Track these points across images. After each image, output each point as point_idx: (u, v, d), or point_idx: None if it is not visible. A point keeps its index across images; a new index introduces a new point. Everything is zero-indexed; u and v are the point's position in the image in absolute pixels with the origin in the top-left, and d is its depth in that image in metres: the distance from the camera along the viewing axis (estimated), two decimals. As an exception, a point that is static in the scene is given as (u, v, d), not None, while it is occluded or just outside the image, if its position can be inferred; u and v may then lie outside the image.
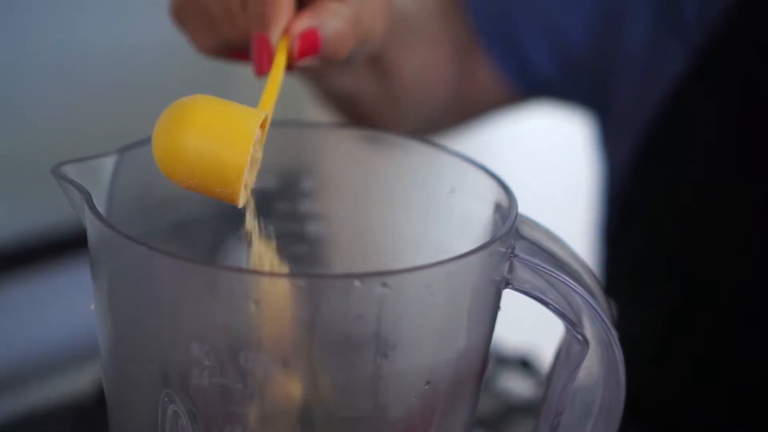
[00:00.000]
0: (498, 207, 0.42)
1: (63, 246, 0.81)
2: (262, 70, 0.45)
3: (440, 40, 0.70)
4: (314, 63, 0.47)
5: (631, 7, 0.68)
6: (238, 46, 0.49)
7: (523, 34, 0.72)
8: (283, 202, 0.49)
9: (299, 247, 0.48)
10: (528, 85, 0.73)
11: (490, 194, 0.43)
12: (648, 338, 0.64)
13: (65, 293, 0.82)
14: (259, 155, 0.42)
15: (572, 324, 0.41)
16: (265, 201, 0.47)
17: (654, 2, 0.67)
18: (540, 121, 1.06)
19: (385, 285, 0.36)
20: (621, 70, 0.69)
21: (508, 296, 0.44)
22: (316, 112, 0.79)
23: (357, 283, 0.36)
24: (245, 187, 0.41)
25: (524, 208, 0.41)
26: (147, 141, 0.43)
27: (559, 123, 1.00)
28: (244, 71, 0.51)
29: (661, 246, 0.64)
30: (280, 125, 0.48)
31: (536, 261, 0.40)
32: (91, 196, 0.39)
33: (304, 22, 0.46)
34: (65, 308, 0.82)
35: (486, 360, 0.41)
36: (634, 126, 0.68)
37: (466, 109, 0.75)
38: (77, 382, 0.72)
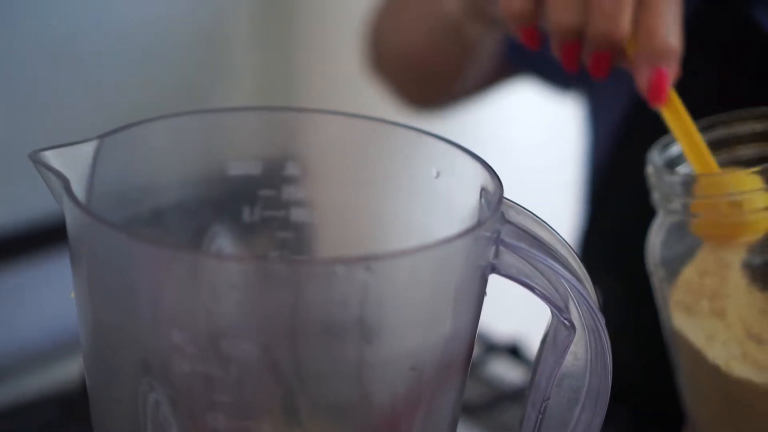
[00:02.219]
0: (484, 191, 0.42)
1: (48, 235, 0.81)
2: (662, 100, 0.51)
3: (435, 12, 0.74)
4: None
5: None
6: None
7: None
8: (268, 188, 0.48)
9: (284, 233, 0.47)
10: (524, 64, 0.77)
11: (476, 179, 0.42)
12: (625, 309, 0.64)
13: (50, 283, 0.81)
14: None
15: (559, 309, 0.40)
16: (250, 187, 0.47)
17: None
18: (527, 105, 1.06)
19: (368, 270, 0.36)
20: None
21: (498, 284, 0.44)
22: (301, 97, 0.79)
23: (340, 268, 0.36)
24: None
25: (510, 192, 0.41)
26: (127, 127, 0.43)
27: (546, 107, 1.00)
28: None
29: (643, 216, 0.64)
30: (264, 110, 0.48)
31: (522, 246, 0.40)
32: (69, 182, 0.38)
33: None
34: (50, 298, 0.81)
35: (472, 345, 0.41)
36: (620, 97, 0.69)
37: (470, 82, 0.77)
38: (63, 373, 0.72)
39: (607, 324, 0.41)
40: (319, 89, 1.13)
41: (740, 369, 0.48)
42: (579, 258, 0.41)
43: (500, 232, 0.40)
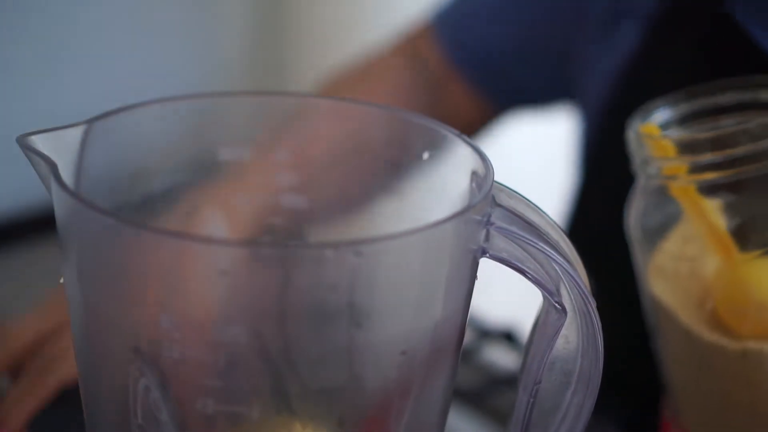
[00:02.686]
0: (475, 175, 0.42)
1: (36, 221, 0.80)
2: None
3: (402, 78, 0.77)
4: None
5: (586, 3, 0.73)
6: None
7: (494, 49, 0.77)
8: (258, 173, 0.48)
9: (275, 218, 0.47)
10: (507, 98, 0.79)
11: (467, 163, 0.42)
12: (615, 298, 0.65)
13: (39, 269, 0.81)
14: None
15: (550, 293, 0.40)
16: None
17: None
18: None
19: (358, 254, 0.36)
20: (582, 55, 0.73)
21: (492, 270, 0.44)
22: (293, 83, 0.79)
23: (329, 252, 0.36)
24: None
25: (501, 176, 0.41)
26: (116, 111, 0.42)
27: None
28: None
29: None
30: (254, 95, 0.47)
31: (513, 229, 0.40)
32: (57, 167, 0.38)
33: None
34: (39, 285, 0.81)
35: (463, 330, 0.41)
36: (600, 96, 0.71)
37: None
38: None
39: (601, 314, 0.41)
40: (310, 79, 1.13)
41: (710, 334, 0.49)
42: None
43: (491, 215, 0.39)
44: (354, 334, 0.37)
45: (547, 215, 0.41)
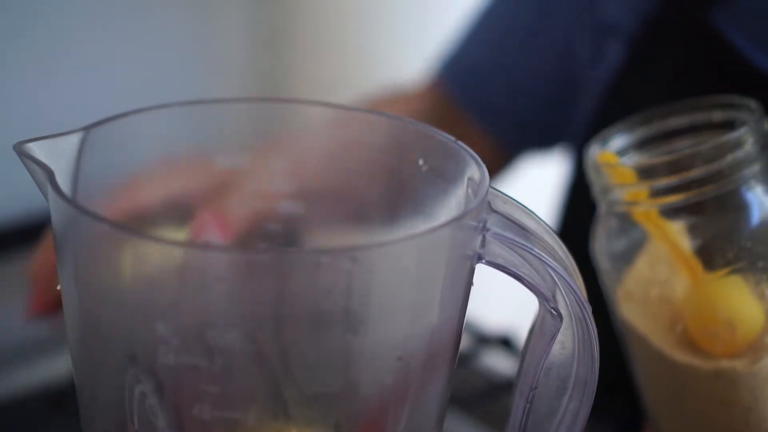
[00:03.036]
0: (470, 181, 0.42)
1: (36, 230, 0.80)
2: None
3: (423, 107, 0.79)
4: None
5: (575, 34, 0.75)
6: None
7: (507, 96, 0.80)
8: (256, 180, 0.48)
9: (272, 225, 0.47)
10: (521, 140, 0.81)
11: (463, 169, 0.42)
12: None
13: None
14: None
15: (546, 298, 0.40)
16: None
17: (588, 21, 0.73)
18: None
19: (354, 260, 0.36)
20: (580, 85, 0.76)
21: (489, 277, 0.44)
22: (289, 88, 0.79)
23: (325, 258, 0.36)
24: None
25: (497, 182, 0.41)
26: (113, 118, 0.42)
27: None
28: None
29: None
30: (251, 101, 0.47)
31: (509, 235, 0.40)
32: (54, 174, 0.38)
33: None
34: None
35: (459, 336, 0.41)
36: (587, 114, 0.72)
37: None
38: (50, 366, 0.71)
39: (597, 317, 0.41)
40: (307, 85, 1.13)
41: (683, 356, 0.49)
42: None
43: (486, 221, 0.40)
44: (350, 339, 0.37)
45: (543, 221, 0.41)
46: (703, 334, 0.49)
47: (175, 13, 1.01)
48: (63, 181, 0.39)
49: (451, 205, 0.42)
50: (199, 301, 0.36)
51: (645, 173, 0.49)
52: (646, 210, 0.50)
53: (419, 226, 0.40)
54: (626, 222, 0.51)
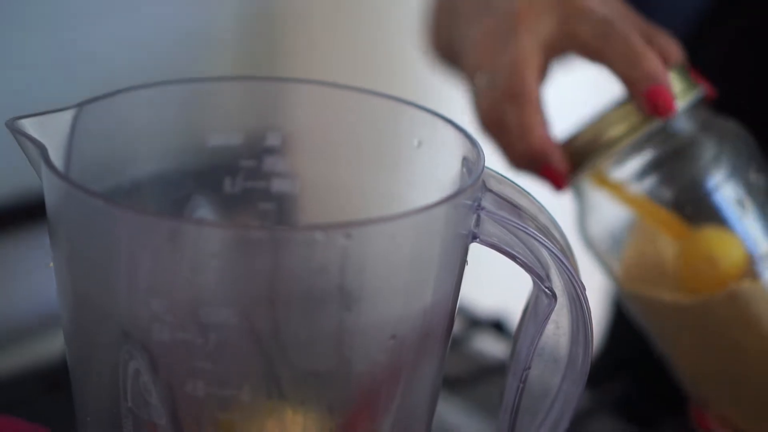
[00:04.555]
0: (466, 161, 0.42)
1: (30, 210, 0.80)
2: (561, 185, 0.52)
3: None
4: None
5: None
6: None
7: None
8: (249, 158, 0.48)
9: (265, 204, 0.47)
10: None
11: (458, 148, 0.42)
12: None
13: (30, 256, 0.81)
14: None
15: (540, 278, 0.40)
16: (231, 158, 0.46)
17: None
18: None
19: (348, 237, 0.36)
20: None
21: (482, 259, 0.44)
22: (282, 67, 0.79)
23: (319, 235, 0.36)
24: None
25: (492, 161, 0.41)
26: (107, 96, 0.42)
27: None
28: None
29: None
30: (245, 80, 0.47)
31: (503, 214, 0.40)
32: (47, 150, 0.38)
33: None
34: (30, 271, 0.81)
35: (453, 315, 0.41)
36: None
37: None
38: (44, 346, 0.71)
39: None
40: (302, 64, 1.13)
41: (695, 297, 0.51)
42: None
43: (481, 200, 0.40)
44: (344, 317, 0.37)
45: (537, 201, 0.41)
46: (701, 277, 0.51)
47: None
48: (56, 158, 0.39)
49: (446, 185, 0.42)
50: (193, 278, 0.36)
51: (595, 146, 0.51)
52: (614, 182, 0.52)
53: (414, 205, 0.40)
54: (603, 205, 0.53)
